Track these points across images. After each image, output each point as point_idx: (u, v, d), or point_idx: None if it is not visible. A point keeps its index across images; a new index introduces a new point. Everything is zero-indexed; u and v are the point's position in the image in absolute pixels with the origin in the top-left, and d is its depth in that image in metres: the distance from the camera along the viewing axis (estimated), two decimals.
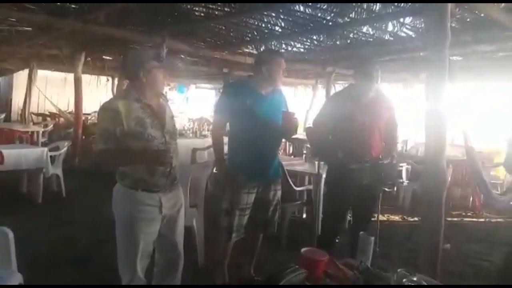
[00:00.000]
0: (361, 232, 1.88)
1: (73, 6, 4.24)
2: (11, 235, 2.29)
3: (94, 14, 4.29)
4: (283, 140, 3.09)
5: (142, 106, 2.14)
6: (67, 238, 3.92)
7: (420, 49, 5.02)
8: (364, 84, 3.04)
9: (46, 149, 5.37)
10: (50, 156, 5.32)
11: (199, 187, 3.60)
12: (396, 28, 4.48)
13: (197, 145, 6.21)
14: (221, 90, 10.77)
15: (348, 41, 5.20)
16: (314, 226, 3.96)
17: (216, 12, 4.33)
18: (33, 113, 11.78)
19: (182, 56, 7.44)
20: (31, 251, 3.21)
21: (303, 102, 13.37)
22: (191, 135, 7.48)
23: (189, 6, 4.19)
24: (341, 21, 4.32)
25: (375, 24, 4.44)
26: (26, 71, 10.45)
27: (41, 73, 11.14)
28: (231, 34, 5.34)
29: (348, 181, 3.03)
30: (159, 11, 4.35)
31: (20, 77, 12.61)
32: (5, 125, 9.31)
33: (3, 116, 11.38)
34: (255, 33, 5.20)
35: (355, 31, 4.81)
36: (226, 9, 4.17)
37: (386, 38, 4.92)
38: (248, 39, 5.49)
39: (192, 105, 16.27)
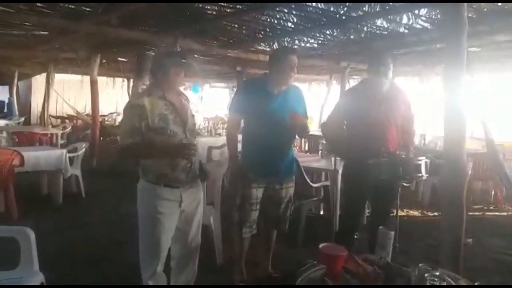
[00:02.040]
0: (381, 227, 1.85)
1: (87, 9, 4.28)
2: (32, 235, 2.34)
3: (107, 16, 4.32)
4: (297, 137, 3.09)
5: (165, 103, 2.27)
6: (86, 238, 3.98)
7: (436, 40, 4.92)
8: (377, 78, 2.99)
9: (64, 150, 5.45)
10: (69, 158, 5.40)
11: (215, 185, 3.61)
12: (411, 20, 4.40)
13: (212, 144, 6.26)
14: (235, 89, 10.79)
15: (362, 35, 5.13)
16: (332, 222, 3.93)
17: (228, 10, 4.32)
18: (52, 116, 12.01)
19: (195, 55, 7.48)
20: (52, 251, 3.28)
21: (317, 98, 13.33)
22: (206, 133, 7.53)
23: (201, 5, 4.18)
24: (355, 15, 4.26)
25: (389, 17, 4.36)
26: (44, 75, 10.69)
27: (59, 77, 11.36)
28: (244, 31, 5.32)
29: (366, 177, 3.00)
30: (171, 11, 4.36)
31: (38, 81, 12.90)
32: (25, 128, 9.52)
33: (22, 119, 11.62)
34: (268, 30, 5.17)
35: (369, 25, 4.74)
36: (238, 6, 4.16)
37: (401, 30, 4.83)
38: (261, 36, 5.47)
39: (206, 104, 16.37)
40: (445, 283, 1.43)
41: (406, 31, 4.77)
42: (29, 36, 5.56)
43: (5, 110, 13.82)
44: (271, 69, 2.74)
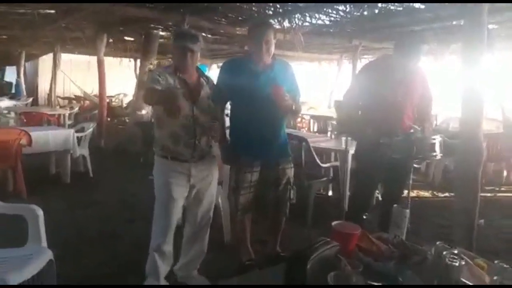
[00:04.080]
0: (395, 205, 1.79)
1: None
2: (40, 212, 2.34)
3: None
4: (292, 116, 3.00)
5: (176, 78, 2.36)
6: (95, 216, 3.98)
7: (453, 17, 4.75)
8: (403, 59, 2.86)
9: (72, 130, 5.46)
10: (77, 138, 5.40)
11: (224, 164, 3.65)
12: None
13: None
14: None
15: (376, 11, 4.95)
16: (341, 203, 3.88)
17: None
18: (59, 97, 12.03)
19: (203, 33, 7.35)
20: (60, 229, 3.27)
21: (327, 78, 13.13)
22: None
23: None
24: None
25: None
26: (51, 56, 10.64)
27: (65, 57, 11.32)
28: (253, 8, 5.16)
29: (378, 156, 2.91)
30: None
31: (46, 62, 12.86)
32: (33, 108, 9.54)
33: (30, 100, 11.65)
34: (278, 6, 5.02)
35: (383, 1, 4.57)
36: None
37: (417, 6, 4.66)
38: (271, 13, 5.32)
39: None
40: (463, 262, 1.37)
41: (422, 7, 4.59)
42: (35, 15, 5.47)
43: (13, 91, 13.84)
44: (249, 45, 2.69)
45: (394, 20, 5.13)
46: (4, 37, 7.94)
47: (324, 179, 4.43)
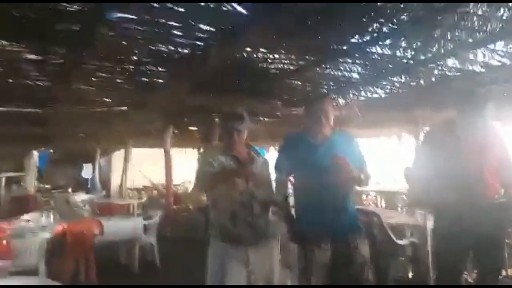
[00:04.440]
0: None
1: (159, 80, 4.57)
2: None
3: (179, 83, 4.54)
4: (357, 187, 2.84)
5: (227, 156, 2.39)
6: None
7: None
8: (467, 119, 2.72)
9: (140, 218, 5.63)
10: (144, 225, 5.54)
11: (291, 245, 3.48)
12: (486, 57, 4.09)
13: None
14: None
15: (433, 78, 4.86)
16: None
17: (291, 67, 4.37)
18: (130, 189, 12.70)
19: (259, 118, 7.61)
20: None
21: (389, 153, 12.72)
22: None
23: (265, 66, 4.27)
24: (423, 57, 4.06)
25: (461, 56, 4.10)
26: (123, 151, 11.54)
27: (135, 151, 12.18)
28: (307, 88, 5.31)
29: (460, 230, 2.61)
30: (236, 73, 4.49)
31: (118, 157, 13.88)
32: (105, 200, 10.11)
33: (103, 193, 12.38)
34: (331, 84, 5.12)
35: (439, 67, 4.49)
36: (300, 62, 4.19)
37: (477, 70, 4.51)
38: (325, 91, 5.43)
39: (272, 167, 16.31)
40: None
41: (483, 70, 4.43)
42: (110, 113, 6.04)
43: (89, 186, 14.89)
44: (307, 118, 2.69)
45: (452, 85, 4.96)
46: (81, 135, 8.78)
47: (402, 258, 4.04)
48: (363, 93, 5.47)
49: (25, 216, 5.52)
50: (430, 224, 3.40)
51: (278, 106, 6.21)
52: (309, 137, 2.63)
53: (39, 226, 4.82)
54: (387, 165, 12.38)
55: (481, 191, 2.66)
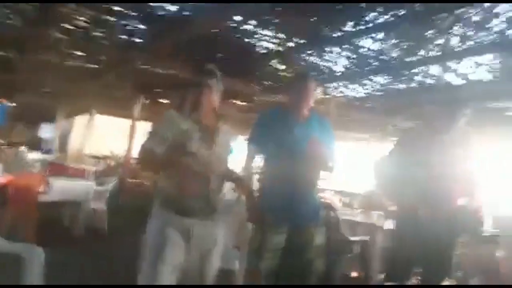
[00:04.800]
0: None
1: (139, 40, 4.28)
2: (41, 254, 2.08)
3: (156, 47, 4.28)
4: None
5: (193, 121, 2.08)
6: (101, 271, 3.78)
7: (493, 96, 4.58)
8: (444, 122, 2.68)
9: (92, 182, 5.35)
10: (96, 192, 5.28)
11: (244, 225, 3.25)
12: (470, 69, 4.08)
13: None
14: None
15: (413, 84, 4.85)
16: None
17: (278, 49, 4.20)
18: (88, 155, 12.21)
19: (236, 102, 7.42)
20: (60, 279, 2.98)
21: (353, 158, 12.87)
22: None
23: (253, 42, 4.09)
24: (408, 60, 4.02)
25: (445, 64, 4.08)
26: (86, 117, 11.06)
27: (101, 119, 11.72)
28: (289, 74, 5.16)
29: (415, 231, 2.58)
30: (220, 46, 4.27)
31: (80, 121, 13.31)
32: (60, 161, 9.63)
33: (59, 154, 11.85)
34: (315, 73, 4.99)
35: (422, 73, 4.47)
36: (288, 44, 4.03)
37: (457, 83, 4.52)
38: None
39: (237, 158, 16.18)
40: None
41: (464, 81, 4.44)
42: (79, 68, 5.66)
43: (45, 146, 14.21)
44: (289, 96, 2.55)
45: (430, 96, 4.97)
46: (47, 90, 8.26)
47: (349, 255, 3.99)
48: (342, 88, 5.39)
49: None
50: (385, 224, 3.37)
51: (256, 90, 6.03)
52: (288, 115, 2.48)
53: None
54: (350, 167, 12.55)
55: (444, 196, 2.63)
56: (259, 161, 2.67)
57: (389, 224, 3.55)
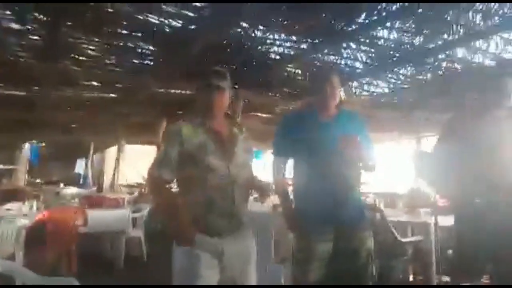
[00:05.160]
0: None
1: (149, 63, 4.31)
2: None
3: (168, 68, 4.28)
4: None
5: (205, 130, 1.91)
6: None
7: None
8: (494, 95, 2.43)
9: (128, 210, 5.35)
10: (133, 219, 5.27)
11: (285, 240, 3.18)
12: (499, 48, 3.84)
13: (277, 202, 5.84)
14: None
15: (440, 72, 4.61)
16: None
17: (292, 52, 4.11)
18: (122, 185, 12.42)
19: (258, 114, 7.35)
20: None
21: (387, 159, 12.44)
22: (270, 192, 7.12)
23: (264, 49, 4.02)
24: (433, 45, 3.82)
25: (472, 44, 3.84)
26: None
27: (129, 148, 11.96)
28: (307, 78, 5.03)
29: (483, 229, 2.29)
30: (233, 58, 4.22)
31: (111, 153, 13.64)
32: (95, 194, 9.84)
33: (95, 188, 12.13)
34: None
35: (448, 58, 4.24)
36: (301, 46, 3.94)
37: (487, 63, 4.26)
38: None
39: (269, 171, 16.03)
40: None
41: (493, 62, 4.19)
42: (98, 98, 5.77)
43: (81, 181, 14.61)
44: (311, 94, 2.40)
45: (460, 82, 4.72)
46: (73, 125, 8.50)
47: (403, 258, 3.76)
48: (365, 86, 5.20)
49: (7, 205, 5.28)
50: (438, 220, 3.15)
51: (277, 99, 5.92)
52: (314, 115, 2.31)
53: (20, 215, 4.56)
54: (386, 169, 12.13)
55: (507, 188, 2.37)
56: (287, 169, 2.54)
57: (443, 221, 3.30)
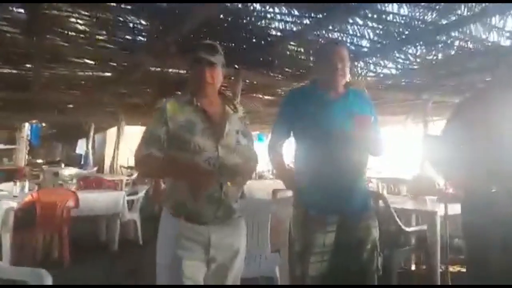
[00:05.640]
0: None
1: (143, 39, 4.07)
2: (48, 279, 1.87)
3: (163, 42, 4.03)
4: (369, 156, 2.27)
5: (194, 109, 1.75)
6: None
7: None
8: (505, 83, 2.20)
9: (123, 192, 5.21)
10: (128, 201, 5.13)
11: (282, 228, 3.12)
12: None
13: (277, 187, 5.69)
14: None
15: (452, 52, 4.34)
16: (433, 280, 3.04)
17: (294, 28, 3.85)
18: (123, 166, 12.33)
19: (259, 96, 7.13)
20: None
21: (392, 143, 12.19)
22: (271, 176, 7.01)
23: (264, 24, 3.76)
24: (445, 22, 3.54)
25: (488, 21, 3.56)
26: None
27: (131, 129, 11.82)
28: (311, 57, 4.78)
29: (494, 212, 2.09)
30: (231, 35, 3.97)
31: (112, 134, 13.53)
32: (93, 175, 9.79)
33: (95, 169, 12.08)
34: None
35: (461, 36, 3.96)
36: (304, 21, 3.67)
37: (503, 42, 3.98)
38: None
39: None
40: None
41: (509, 41, 3.91)
42: (93, 78, 5.56)
43: (82, 162, 14.58)
44: (318, 70, 2.16)
45: (473, 63, 4.45)
46: (70, 106, 8.33)
47: (406, 248, 3.58)
48: (372, 67, 4.93)
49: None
50: (445, 209, 2.96)
51: (279, 80, 5.67)
52: (322, 91, 2.08)
53: (9, 196, 4.41)
54: (391, 153, 11.89)
55: None
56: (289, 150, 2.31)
57: (451, 209, 3.12)
